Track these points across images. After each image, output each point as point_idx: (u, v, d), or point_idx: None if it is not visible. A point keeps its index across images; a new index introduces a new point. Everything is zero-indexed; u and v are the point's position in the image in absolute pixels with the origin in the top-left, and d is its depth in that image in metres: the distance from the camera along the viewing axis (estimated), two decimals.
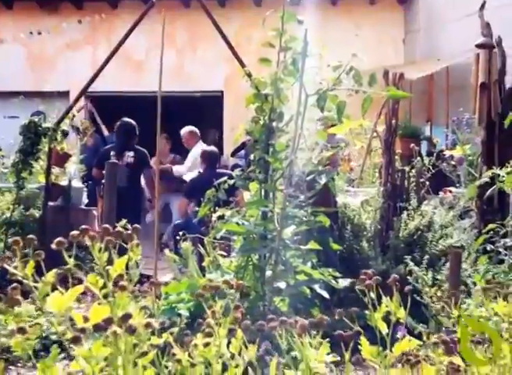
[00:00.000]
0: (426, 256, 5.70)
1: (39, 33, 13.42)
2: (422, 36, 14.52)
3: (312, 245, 3.48)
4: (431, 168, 7.87)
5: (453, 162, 8.67)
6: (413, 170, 7.24)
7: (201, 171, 9.49)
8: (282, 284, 3.40)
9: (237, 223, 3.63)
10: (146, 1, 6.56)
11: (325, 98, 3.35)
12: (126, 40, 6.64)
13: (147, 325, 1.84)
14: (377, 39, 14.16)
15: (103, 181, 6.71)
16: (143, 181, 9.69)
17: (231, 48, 6.53)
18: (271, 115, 3.66)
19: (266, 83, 3.67)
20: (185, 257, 5.54)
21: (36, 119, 6.96)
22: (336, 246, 3.86)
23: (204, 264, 5.32)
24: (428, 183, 7.36)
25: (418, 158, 7.72)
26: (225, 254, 5.25)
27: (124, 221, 6.40)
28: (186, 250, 5.55)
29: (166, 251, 6.02)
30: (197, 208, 5.68)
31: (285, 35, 3.63)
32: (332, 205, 5.75)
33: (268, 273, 3.58)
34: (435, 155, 8.34)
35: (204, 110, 16.01)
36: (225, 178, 4.30)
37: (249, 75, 4.72)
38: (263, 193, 3.68)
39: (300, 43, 3.54)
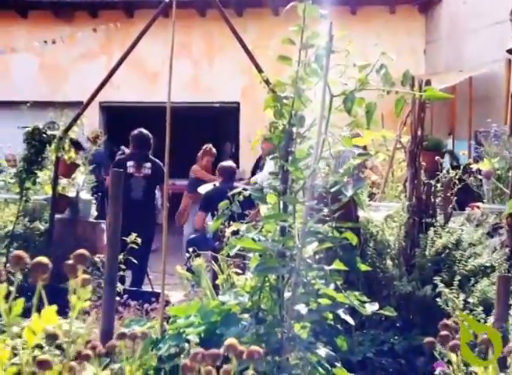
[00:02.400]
0: (456, 277, 5.30)
1: (53, 43, 13.12)
2: (444, 46, 14.14)
3: (337, 265, 3.11)
4: (457, 182, 7.49)
5: (480, 176, 8.27)
6: (438, 184, 6.87)
7: (217, 184, 9.24)
8: (303, 308, 3.03)
9: (253, 239, 3.26)
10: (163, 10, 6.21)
11: (354, 99, 2.98)
12: (136, 44, 6.32)
13: None
14: (397, 49, 13.73)
15: None
16: (157, 194, 9.49)
17: (248, 53, 6.19)
18: (291, 119, 3.30)
19: (285, 85, 3.31)
20: (197, 274, 5.20)
21: (40, 127, 6.61)
22: (363, 266, 3.49)
23: (217, 282, 4.99)
24: (455, 198, 6.97)
25: (444, 171, 7.35)
26: (240, 271, 4.91)
27: (134, 235, 6.10)
28: (199, 267, 5.21)
29: (178, 267, 5.70)
30: (210, 223, 5.34)
31: (306, 31, 3.28)
32: (354, 220, 5.38)
33: (287, 294, 3.20)
34: (461, 168, 7.94)
35: (220, 123, 15.72)
36: (240, 189, 3.94)
37: (267, 81, 4.37)
38: (282, 206, 3.31)
39: (323, 39, 3.19)
